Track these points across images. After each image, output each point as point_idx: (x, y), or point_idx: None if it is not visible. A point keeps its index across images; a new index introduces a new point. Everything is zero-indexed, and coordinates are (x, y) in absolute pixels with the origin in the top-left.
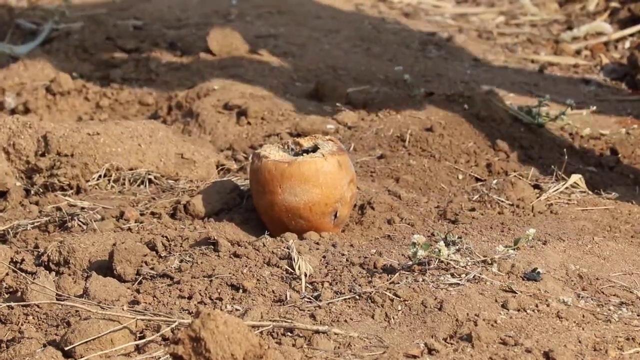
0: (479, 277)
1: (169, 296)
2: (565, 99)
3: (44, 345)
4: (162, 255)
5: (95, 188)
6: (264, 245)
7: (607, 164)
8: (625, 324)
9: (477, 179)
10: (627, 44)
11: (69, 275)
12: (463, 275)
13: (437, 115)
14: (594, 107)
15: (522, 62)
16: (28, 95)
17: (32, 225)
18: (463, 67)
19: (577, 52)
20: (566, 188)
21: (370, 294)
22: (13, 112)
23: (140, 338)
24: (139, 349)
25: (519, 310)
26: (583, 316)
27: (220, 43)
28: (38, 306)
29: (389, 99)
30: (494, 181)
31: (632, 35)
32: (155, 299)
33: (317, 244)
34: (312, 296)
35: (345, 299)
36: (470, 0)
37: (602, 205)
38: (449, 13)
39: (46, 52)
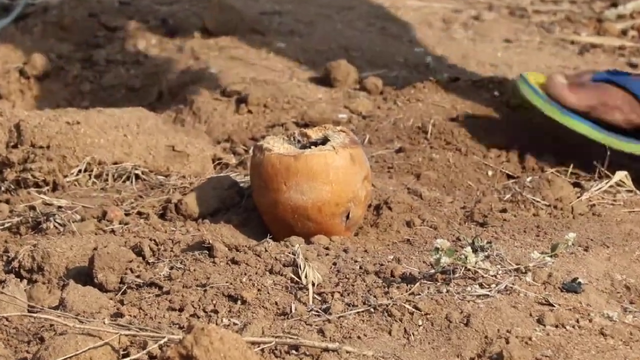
0: (511, 287)
1: (157, 308)
2: None
3: None
4: (149, 261)
5: (75, 184)
6: (266, 251)
7: None
8: None
9: (509, 176)
10: None
11: (43, 283)
12: (493, 286)
13: (463, 104)
14: None
15: (560, 43)
16: None
17: (2, 227)
18: (493, 48)
19: (623, 32)
20: (610, 186)
21: (387, 306)
22: None
23: (124, 356)
24: None
25: (557, 326)
26: (631, 333)
27: (218, 21)
28: (7, 319)
29: (409, 85)
30: (528, 178)
31: None
32: (141, 311)
33: (327, 249)
34: (320, 309)
35: (358, 312)
36: None
37: None
38: None
39: (20, 30)
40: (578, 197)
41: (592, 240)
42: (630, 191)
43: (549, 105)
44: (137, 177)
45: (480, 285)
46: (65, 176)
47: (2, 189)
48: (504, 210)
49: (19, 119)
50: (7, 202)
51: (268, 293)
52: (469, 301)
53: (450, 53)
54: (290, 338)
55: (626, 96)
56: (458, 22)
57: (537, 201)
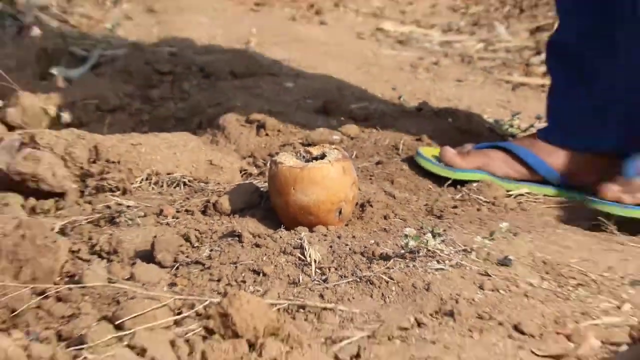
0: (460, 263)
1: (201, 279)
2: (534, 114)
3: (99, 320)
4: (195, 245)
5: (139, 189)
6: (280, 237)
7: None
8: (581, 301)
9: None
10: None
11: (118, 262)
12: (447, 262)
13: (426, 128)
14: None
15: (498, 82)
16: (80, 111)
17: (86, 221)
18: (448, 86)
19: (544, 74)
20: None
21: (369, 277)
22: (68, 125)
23: (178, 314)
24: (177, 323)
25: (493, 291)
26: (546, 295)
27: (243, 67)
28: (93, 288)
29: (386, 114)
30: (474, 184)
31: None
32: (189, 281)
33: (325, 235)
34: (320, 279)
35: (348, 281)
36: (455, 30)
37: (565, 203)
38: (436, 41)
39: (95, 75)
40: (509, 197)
41: (519, 228)
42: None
43: (444, 169)
44: (184, 184)
45: (438, 262)
46: (132, 184)
47: (86, 193)
48: (455, 207)
49: (96, 141)
50: (90, 203)
51: (282, 268)
52: (429, 273)
53: (416, 90)
54: (298, 300)
55: (505, 156)
56: (422, 66)
57: (480, 200)
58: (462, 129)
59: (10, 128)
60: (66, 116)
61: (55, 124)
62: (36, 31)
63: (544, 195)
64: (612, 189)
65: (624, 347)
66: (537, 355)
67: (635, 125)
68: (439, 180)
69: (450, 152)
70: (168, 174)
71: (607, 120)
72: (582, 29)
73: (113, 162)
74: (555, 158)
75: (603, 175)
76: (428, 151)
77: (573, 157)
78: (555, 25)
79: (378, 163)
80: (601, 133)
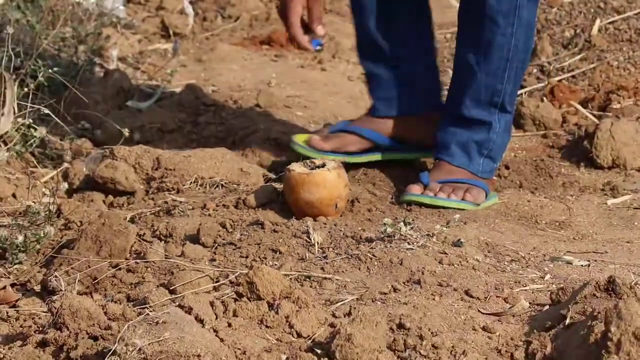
0: (425, 245)
1: (234, 256)
2: None
3: (157, 287)
4: (229, 231)
5: (189, 190)
6: (292, 225)
7: (502, 175)
8: (514, 273)
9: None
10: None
11: (172, 243)
12: (415, 244)
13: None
14: None
15: None
16: (147, 133)
17: (150, 213)
18: None
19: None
20: None
21: (358, 255)
22: (138, 143)
23: (216, 282)
24: (215, 289)
25: (449, 265)
26: (488, 268)
27: (265, 100)
28: (154, 262)
29: None
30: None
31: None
32: (225, 258)
33: (325, 224)
34: (322, 256)
35: (342, 258)
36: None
37: (500, 200)
38: None
39: (159, 106)
40: None
41: (468, 218)
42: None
43: (312, 152)
44: (222, 185)
45: (408, 243)
46: (184, 185)
47: (150, 192)
48: (421, 204)
49: (158, 154)
50: (152, 199)
51: (293, 248)
52: (402, 252)
53: None
54: (305, 272)
55: (353, 136)
56: None
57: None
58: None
59: (97, 144)
60: (137, 136)
61: (129, 142)
62: (117, 75)
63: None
64: (415, 188)
65: (547, 307)
66: (482, 314)
67: (432, 87)
68: (407, 182)
69: (315, 138)
70: (210, 178)
71: (415, 89)
72: (374, 24)
73: (170, 169)
74: (384, 127)
75: (426, 132)
76: (300, 137)
77: (397, 122)
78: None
79: (363, 172)
80: (411, 100)
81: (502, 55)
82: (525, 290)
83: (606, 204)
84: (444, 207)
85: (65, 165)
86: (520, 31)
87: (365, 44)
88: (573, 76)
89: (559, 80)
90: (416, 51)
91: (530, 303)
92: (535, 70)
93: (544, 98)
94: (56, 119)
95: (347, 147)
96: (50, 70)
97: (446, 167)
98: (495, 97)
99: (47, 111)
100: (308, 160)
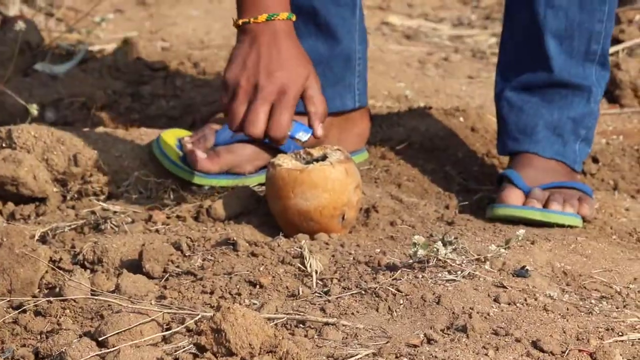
0: (473, 274)
1: (193, 292)
2: None
3: (80, 336)
4: (186, 254)
5: (126, 194)
6: (279, 245)
7: (589, 171)
8: (606, 315)
9: (472, 185)
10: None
11: (103, 272)
12: (459, 272)
13: (435, 127)
14: None
15: None
16: (65, 109)
17: (69, 228)
18: (459, 83)
19: None
20: None
21: (375, 289)
22: (53, 124)
23: (167, 329)
24: (165, 340)
25: (509, 304)
26: (567, 309)
27: None
28: (74, 301)
29: (392, 113)
30: (489, 187)
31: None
32: (180, 294)
33: (327, 244)
34: (322, 291)
35: (352, 294)
36: (465, 24)
37: None
38: (446, 35)
39: (82, 71)
40: None
41: (537, 235)
42: None
43: (184, 172)
44: (175, 188)
45: (449, 272)
46: (118, 187)
47: (68, 198)
48: (467, 212)
49: (81, 143)
50: (73, 208)
51: (280, 279)
52: (439, 285)
53: (424, 87)
54: (298, 315)
55: (250, 147)
56: (431, 62)
57: None
58: (474, 128)
59: None
60: (50, 115)
61: (38, 123)
62: (20, 25)
63: None
64: (511, 197)
65: None
66: None
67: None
68: (450, 182)
69: (199, 156)
70: (157, 177)
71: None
72: None
73: (98, 165)
74: None
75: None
76: (171, 136)
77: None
78: None
79: (384, 165)
80: (347, 96)
81: None
82: (622, 341)
83: None
84: (558, 225)
85: None
86: None
87: None
88: None
89: None
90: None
91: None
92: (638, 17)
93: None
94: None
95: (244, 165)
96: None
97: (536, 161)
98: (593, 45)
99: None
100: (302, 151)
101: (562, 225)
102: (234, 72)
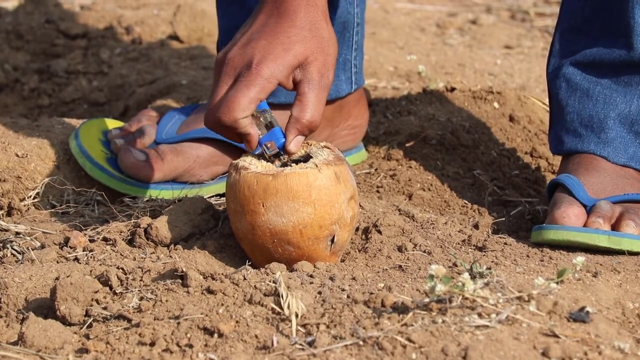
0: (513, 317)
1: (126, 343)
2: None
3: None
4: (117, 291)
5: (32, 209)
6: (245, 279)
7: None
8: None
9: (511, 196)
10: None
11: (1, 317)
12: (493, 316)
13: (459, 116)
14: None
15: None
16: None
17: None
18: (492, 56)
19: None
20: None
21: (378, 338)
22: None
23: None
24: None
25: (563, 359)
26: None
27: (189, 27)
28: None
29: (401, 96)
30: (532, 198)
31: None
32: (108, 346)
33: (311, 276)
34: (304, 342)
35: (346, 345)
36: None
37: None
38: None
39: None
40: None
41: (601, 265)
42: None
43: (109, 177)
44: (99, 201)
45: (479, 315)
46: (22, 199)
47: None
48: (504, 233)
49: None
50: None
51: (247, 325)
52: (466, 332)
53: (445, 61)
54: None
55: (205, 146)
56: (453, 26)
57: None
58: (513, 116)
59: None
60: None
61: None
62: None
63: None
64: (568, 217)
65: None
66: None
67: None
68: (480, 191)
69: (131, 154)
70: (75, 186)
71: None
72: None
73: None
74: None
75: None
76: (95, 129)
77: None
78: None
79: (389, 168)
80: (342, 77)
81: None
82: None
83: None
84: (631, 253)
85: None
86: None
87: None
88: None
89: None
90: None
91: None
92: None
93: None
94: None
95: (196, 171)
96: None
97: (605, 166)
98: None
99: None
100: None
101: (636, 254)
102: (227, 47)
